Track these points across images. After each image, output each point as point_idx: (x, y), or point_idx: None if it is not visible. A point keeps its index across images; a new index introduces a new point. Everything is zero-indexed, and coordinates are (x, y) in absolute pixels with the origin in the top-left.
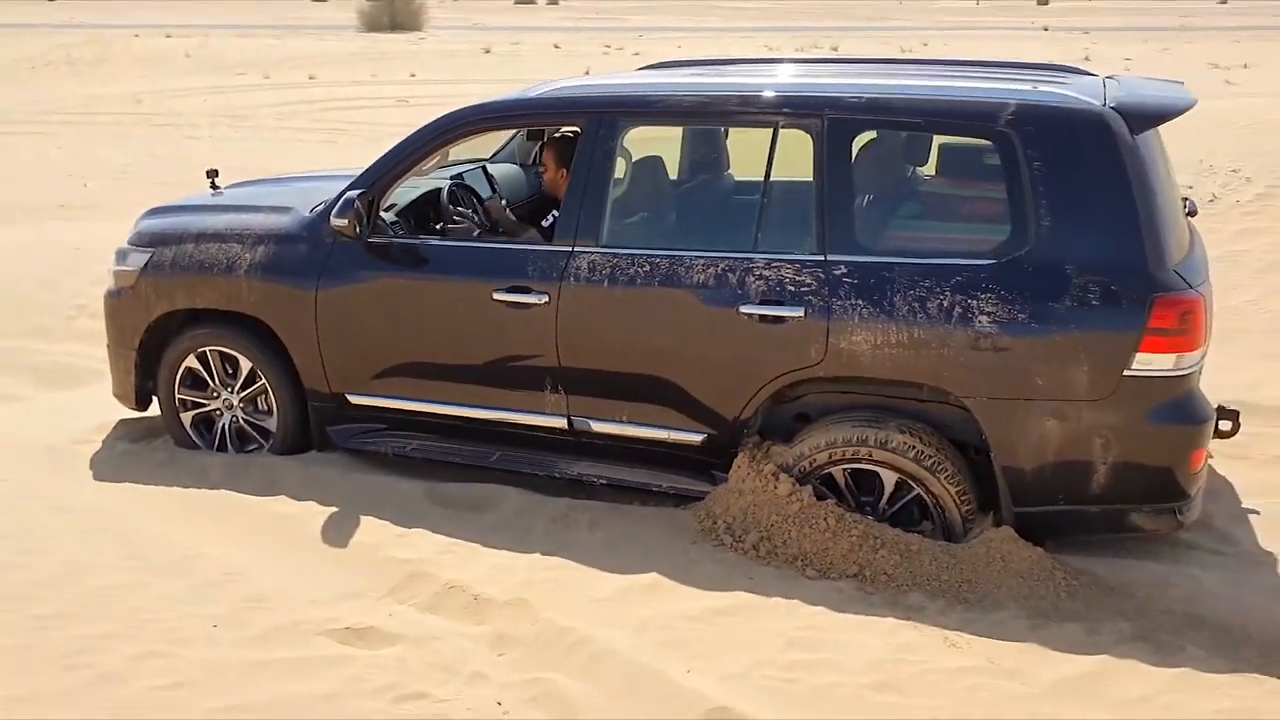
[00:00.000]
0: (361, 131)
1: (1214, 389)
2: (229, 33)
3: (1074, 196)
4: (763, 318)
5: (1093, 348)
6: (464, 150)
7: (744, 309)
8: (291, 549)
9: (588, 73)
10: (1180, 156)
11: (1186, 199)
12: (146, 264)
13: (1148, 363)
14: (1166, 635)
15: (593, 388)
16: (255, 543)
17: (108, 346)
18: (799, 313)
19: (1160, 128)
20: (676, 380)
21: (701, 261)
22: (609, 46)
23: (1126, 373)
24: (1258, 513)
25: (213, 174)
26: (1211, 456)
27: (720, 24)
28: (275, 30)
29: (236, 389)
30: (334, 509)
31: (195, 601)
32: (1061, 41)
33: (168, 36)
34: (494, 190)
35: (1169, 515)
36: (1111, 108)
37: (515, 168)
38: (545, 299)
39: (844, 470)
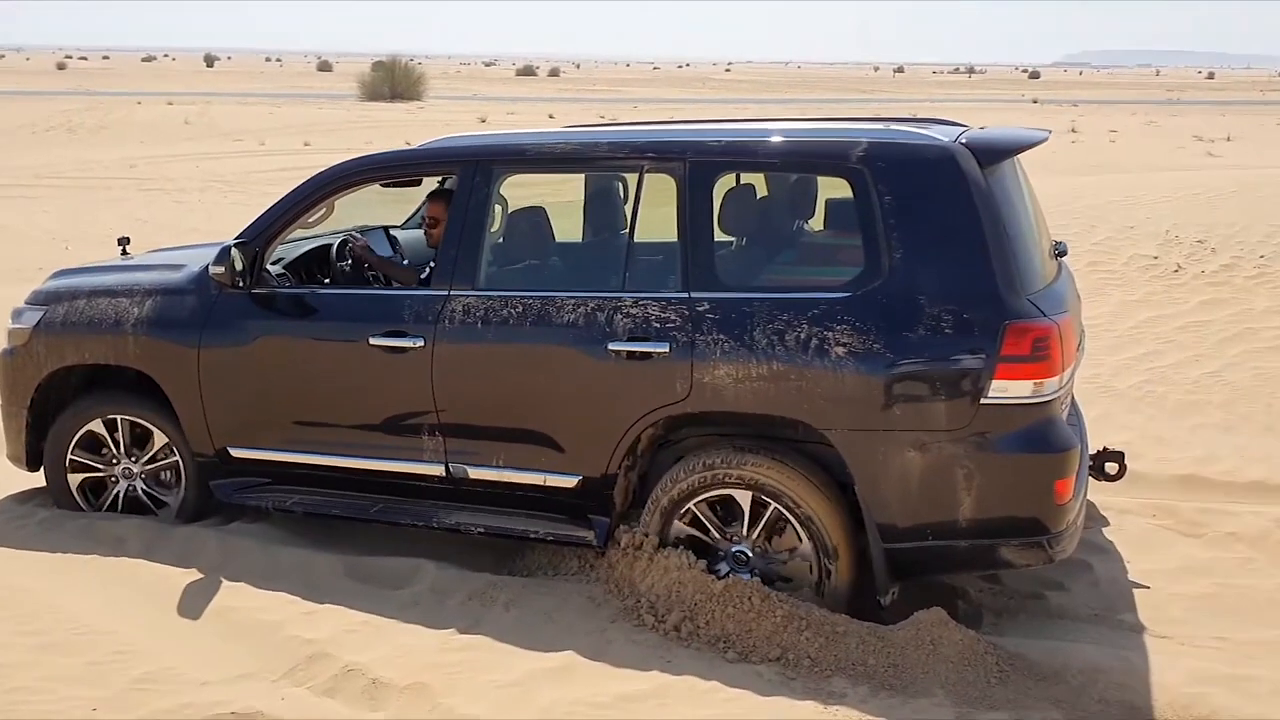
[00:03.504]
0: (382, 196)
1: (1169, 462)
2: (230, 100)
3: (925, 229)
4: (630, 354)
5: (948, 377)
6: (374, 215)
7: (612, 346)
8: (194, 625)
9: None
10: (1149, 227)
11: (1059, 241)
12: (39, 321)
13: (1004, 390)
14: None
15: (469, 433)
16: (158, 618)
17: (1, 406)
18: (664, 349)
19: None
20: (550, 422)
21: (572, 301)
22: (603, 116)
23: (984, 401)
24: (1210, 594)
25: (124, 241)
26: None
27: (715, 95)
28: (276, 99)
29: (142, 459)
30: (244, 583)
31: (81, 683)
32: (1050, 114)
33: (169, 104)
34: (395, 251)
35: (1037, 549)
36: (961, 144)
37: (420, 232)
38: (421, 343)
39: (705, 502)
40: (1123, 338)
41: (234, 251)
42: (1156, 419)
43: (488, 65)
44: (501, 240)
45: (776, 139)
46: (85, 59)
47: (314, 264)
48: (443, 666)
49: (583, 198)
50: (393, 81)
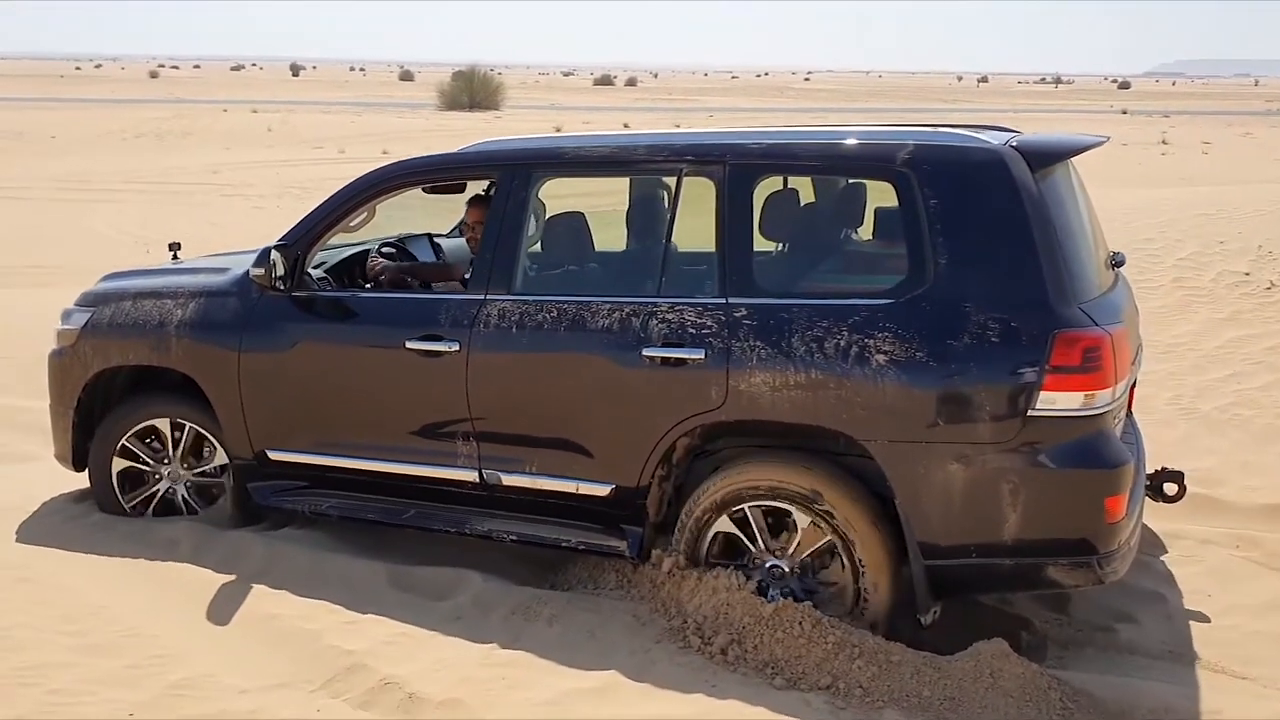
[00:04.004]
0: (426, 205)
1: (1255, 490)
2: (313, 109)
3: (972, 234)
4: (664, 360)
5: (994, 387)
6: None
7: (646, 352)
8: (235, 631)
9: None
10: (1240, 242)
11: (1116, 252)
12: (86, 323)
13: (1053, 402)
14: None
15: (502, 439)
16: (200, 622)
17: (50, 407)
18: (699, 355)
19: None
20: (582, 428)
21: (607, 306)
22: (678, 125)
23: (1031, 413)
24: None
25: (175, 246)
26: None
27: (792, 104)
28: (357, 107)
29: (194, 463)
30: (287, 590)
31: (119, 685)
32: (1140, 125)
33: (254, 112)
34: (438, 259)
35: (1088, 569)
36: (1011, 146)
37: (464, 241)
38: (456, 347)
39: (738, 515)
40: (1208, 357)
41: (274, 254)
42: (1242, 444)
43: (566, 75)
44: (539, 245)
45: (819, 141)
46: (177, 68)
47: (356, 268)
48: (481, 682)
49: (627, 203)
50: (471, 91)
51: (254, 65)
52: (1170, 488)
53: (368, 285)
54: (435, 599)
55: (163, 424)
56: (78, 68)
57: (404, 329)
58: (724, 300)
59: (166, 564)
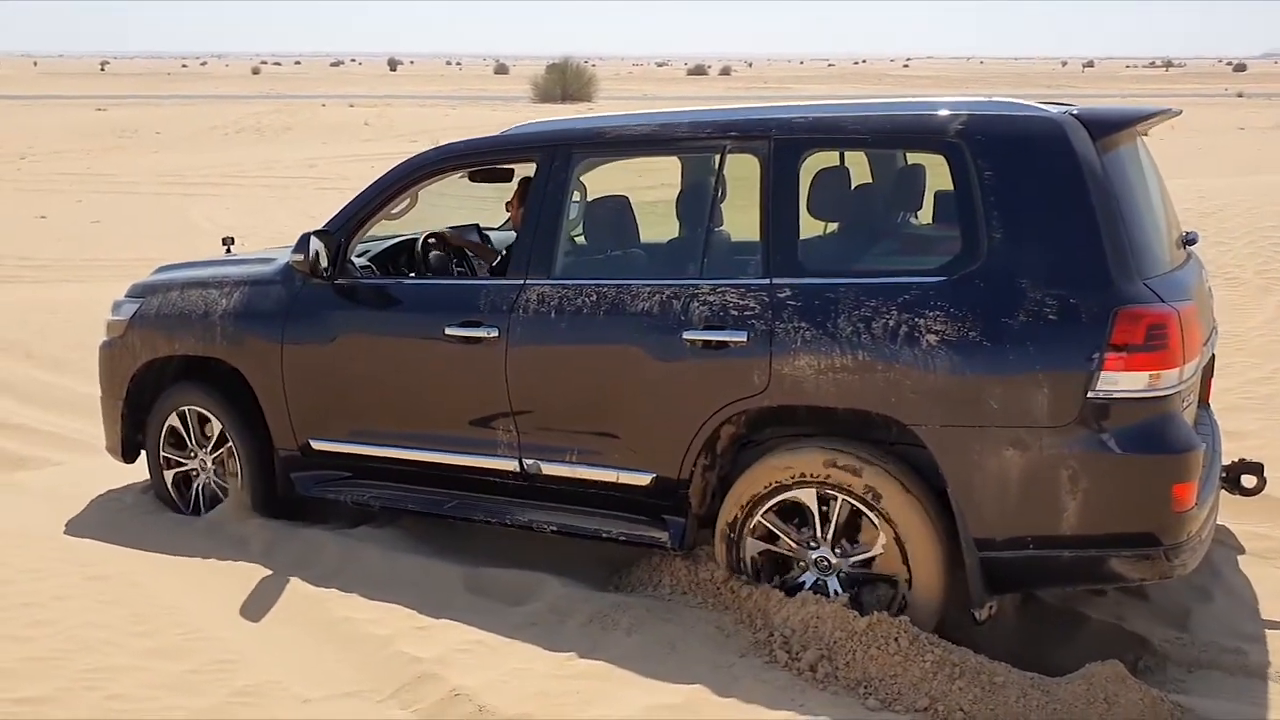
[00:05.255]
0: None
1: None
2: (409, 103)
3: (1029, 208)
4: (705, 344)
5: (1052, 367)
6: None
7: (687, 335)
8: (302, 635)
9: None
10: None
11: (1189, 231)
12: (135, 313)
13: (1115, 383)
14: None
15: (543, 426)
16: (269, 625)
17: (100, 398)
18: (741, 338)
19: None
20: (623, 415)
21: (647, 289)
22: None
23: (1091, 394)
24: None
25: (228, 241)
26: None
27: (889, 90)
28: (453, 100)
29: (209, 450)
30: (358, 593)
31: (182, 691)
32: (1256, 108)
33: (351, 106)
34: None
35: (1154, 562)
36: (1072, 115)
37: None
38: (495, 333)
39: (778, 506)
40: None
41: (314, 240)
42: None
43: (660, 65)
44: (580, 228)
45: (868, 114)
46: (279, 64)
47: (400, 258)
48: (553, 695)
49: (679, 190)
50: (565, 83)
51: (353, 61)
52: (1249, 480)
53: (411, 275)
54: (511, 604)
55: (184, 416)
56: (184, 65)
57: (444, 315)
58: (768, 281)
59: (237, 564)
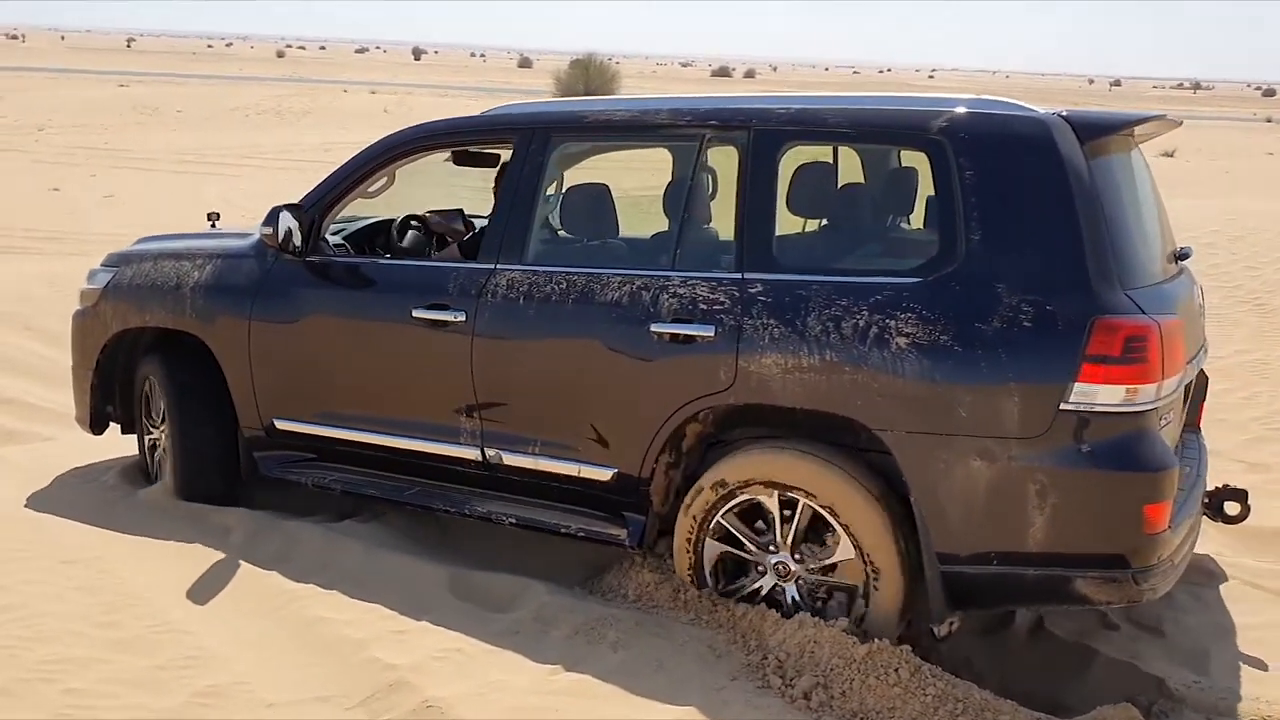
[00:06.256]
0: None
1: None
2: (430, 92)
3: (1009, 210)
4: (672, 337)
5: (1025, 376)
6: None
7: (654, 328)
8: (275, 634)
9: None
10: None
11: (1183, 246)
12: (108, 283)
13: (1089, 395)
14: None
15: (506, 415)
16: (240, 622)
17: (72, 368)
18: (709, 332)
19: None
20: (586, 407)
21: (617, 279)
22: None
23: (1064, 406)
24: None
25: (214, 216)
26: None
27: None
28: (474, 92)
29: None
30: (339, 590)
31: (143, 688)
32: None
33: (372, 93)
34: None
35: (1121, 585)
36: (1060, 116)
37: None
38: (462, 317)
39: (738, 509)
40: None
41: (284, 214)
42: None
43: (684, 65)
44: (554, 214)
45: (851, 108)
46: (304, 49)
47: (377, 239)
48: (530, 711)
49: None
50: (587, 79)
51: (378, 48)
52: (1232, 507)
53: (386, 256)
54: (495, 610)
55: (150, 385)
56: (209, 45)
57: (412, 297)
58: (740, 276)
59: (215, 554)
